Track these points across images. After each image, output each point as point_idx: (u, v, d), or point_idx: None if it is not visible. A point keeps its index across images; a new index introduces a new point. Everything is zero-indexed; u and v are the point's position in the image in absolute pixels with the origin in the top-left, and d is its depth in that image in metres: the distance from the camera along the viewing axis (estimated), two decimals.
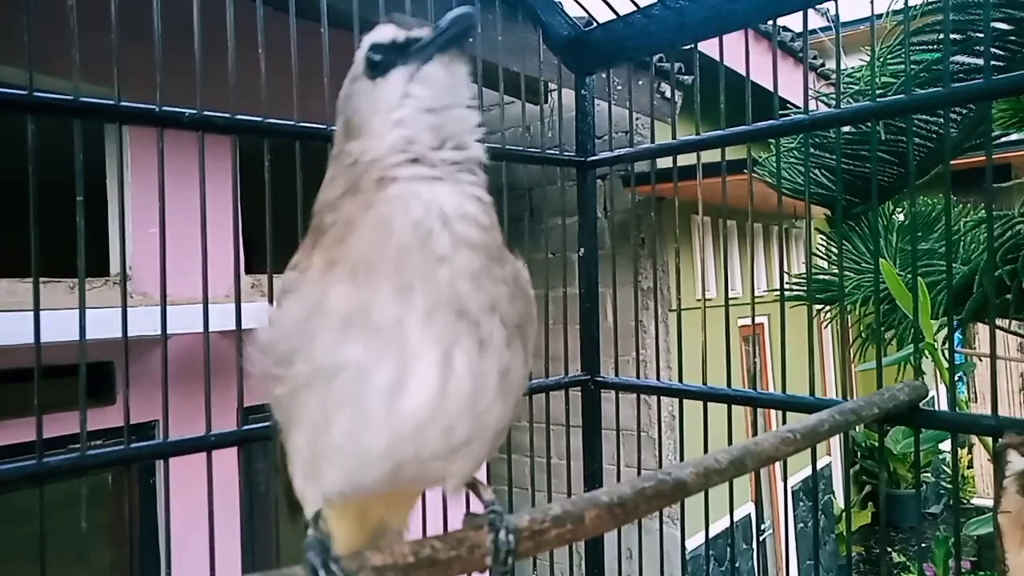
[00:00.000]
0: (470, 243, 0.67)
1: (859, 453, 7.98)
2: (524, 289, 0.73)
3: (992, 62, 1.36)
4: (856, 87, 1.80)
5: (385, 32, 0.73)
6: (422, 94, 0.70)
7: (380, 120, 0.70)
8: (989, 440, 1.15)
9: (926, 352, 1.30)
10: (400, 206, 0.66)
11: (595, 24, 1.83)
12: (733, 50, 1.56)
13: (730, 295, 1.59)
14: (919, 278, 1.26)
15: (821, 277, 1.90)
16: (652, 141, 1.74)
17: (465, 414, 0.66)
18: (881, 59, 1.69)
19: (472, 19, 0.71)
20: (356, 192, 0.69)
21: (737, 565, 5.02)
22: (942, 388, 1.31)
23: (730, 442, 1.29)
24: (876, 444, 7.04)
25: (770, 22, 1.54)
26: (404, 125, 0.69)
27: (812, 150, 1.77)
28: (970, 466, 7.90)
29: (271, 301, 1.30)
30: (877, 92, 1.36)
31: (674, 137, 1.67)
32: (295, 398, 0.68)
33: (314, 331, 0.66)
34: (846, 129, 1.66)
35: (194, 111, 1.21)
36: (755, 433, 1.06)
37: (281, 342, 0.69)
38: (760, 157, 1.87)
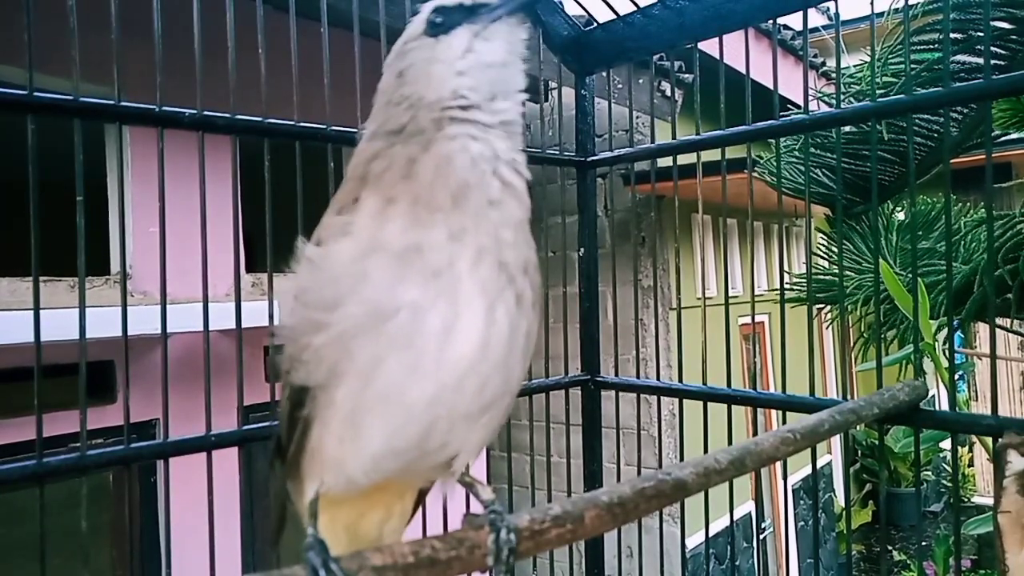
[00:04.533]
0: (515, 193, 0.72)
1: (859, 452, 7.98)
2: (537, 263, 0.77)
3: (993, 61, 1.36)
4: (857, 87, 1.80)
5: None
6: (486, 49, 0.74)
7: (441, 70, 0.74)
8: (989, 440, 1.15)
9: (926, 352, 1.30)
10: (459, 146, 0.71)
11: (595, 24, 1.83)
12: (733, 49, 1.55)
13: (730, 294, 1.59)
14: (918, 278, 1.26)
15: (822, 277, 1.90)
16: (652, 140, 1.73)
17: (498, 369, 0.69)
18: (882, 58, 1.69)
19: None
20: (411, 135, 0.72)
21: (737, 563, 5.02)
22: (943, 387, 1.31)
23: (730, 442, 1.29)
24: (877, 443, 7.04)
25: (770, 21, 1.54)
26: (466, 75, 0.73)
27: (813, 149, 1.76)
28: (971, 464, 7.90)
29: (271, 300, 1.31)
30: (878, 91, 1.35)
31: (674, 136, 1.67)
32: (340, 345, 0.67)
33: (368, 270, 0.66)
34: (847, 128, 1.66)
35: (194, 111, 1.21)
36: (755, 432, 1.06)
37: (328, 285, 0.69)
38: (761, 157, 1.86)
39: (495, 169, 0.71)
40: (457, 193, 0.68)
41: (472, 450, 0.73)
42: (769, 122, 1.44)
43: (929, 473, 8.07)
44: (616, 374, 1.90)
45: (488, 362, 0.68)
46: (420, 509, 1.45)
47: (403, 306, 0.65)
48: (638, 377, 1.82)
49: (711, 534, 1.66)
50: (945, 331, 1.28)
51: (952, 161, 1.30)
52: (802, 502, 6.17)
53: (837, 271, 1.55)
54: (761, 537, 5.75)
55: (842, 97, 1.42)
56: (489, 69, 0.74)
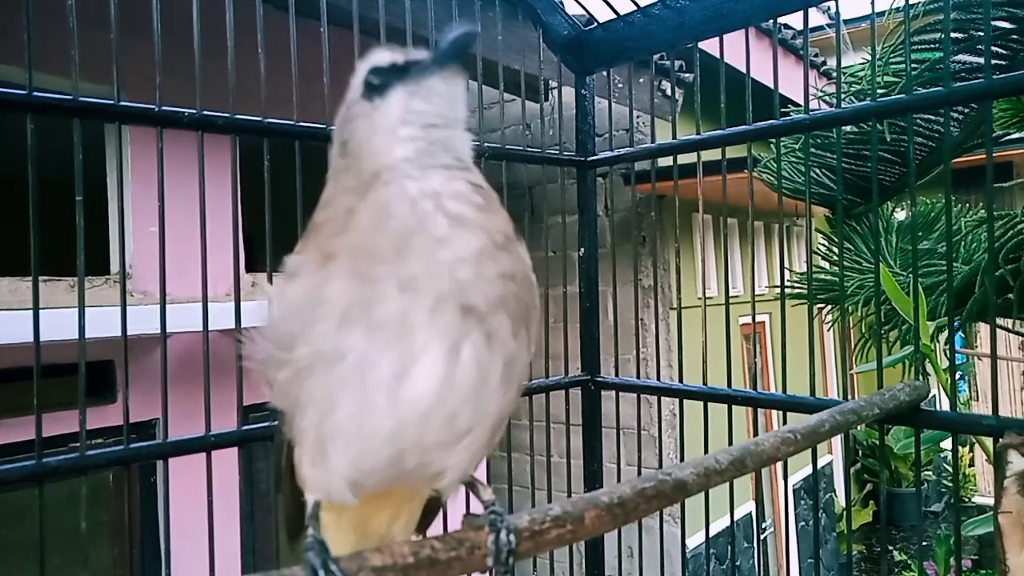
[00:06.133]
0: (466, 222, 0.67)
1: (860, 452, 7.97)
2: (530, 279, 0.73)
3: (993, 61, 1.36)
4: (858, 87, 1.79)
5: (383, 56, 0.74)
6: (423, 109, 0.71)
7: (382, 139, 0.71)
8: (989, 440, 1.15)
9: (925, 353, 1.30)
10: (396, 189, 0.67)
11: (595, 23, 1.83)
12: (734, 48, 1.55)
13: (731, 293, 1.59)
14: (917, 281, 1.26)
15: (822, 277, 1.89)
16: (653, 140, 1.73)
17: (469, 402, 0.66)
18: (883, 58, 1.69)
19: (471, 37, 0.72)
20: (350, 191, 0.70)
21: (738, 564, 5.02)
22: (943, 387, 1.31)
23: (731, 442, 1.29)
24: (877, 443, 7.03)
25: (771, 20, 1.53)
26: (407, 142, 0.70)
27: (813, 149, 1.76)
28: (971, 464, 7.89)
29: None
30: (879, 91, 1.35)
31: (675, 136, 1.67)
32: (299, 383, 0.67)
33: (315, 318, 0.65)
34: (848, 128, 1.66)
35: (194, 111, 1.21)
36: (756, 433, 1.06)
37: (282, 324, 0.69)
38: (761, 156, 1.86)
39: (437, 204, 0.66)
40: (400, 241, 0.64)
41: (459, 468, 0.71)
42: (769, 122, 1.44)
43: (930, 473, 8.05)
44: (616, 374, 1.89)
45: (454, 397, 0.65)
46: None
47: (349, 352, 0.64)
48: (638, 377, 1.82)
49: (712, 534, 1.66)
50: (946, 331, 1.27)
51: (953, 161, 1.29)
52: (803, 502, 6.17)
53: (838, 271, 1.55)
54: (762, 537, 5.74)
55: (843, 97, 1.41)
56: (430, 129, 0.71)
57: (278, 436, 0.79)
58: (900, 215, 2.04)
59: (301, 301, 0.67)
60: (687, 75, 3.84)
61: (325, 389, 0.65)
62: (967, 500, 7.42)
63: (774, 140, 1.52)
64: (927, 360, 1.30)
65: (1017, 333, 1.67)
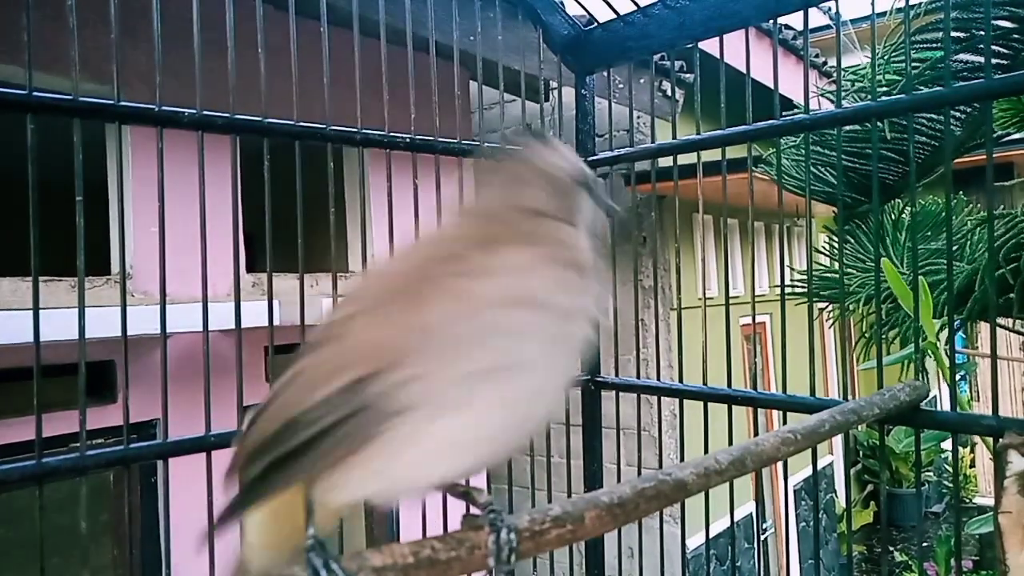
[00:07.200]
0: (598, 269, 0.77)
1: (861, 452, 7.97)
2: None
3: (994, 61, 1.36)
4: (859, 85, 1.79)
5: (584, 167, 0.84)
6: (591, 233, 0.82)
7: (581, 223, 0.79)
8: (990, 440, 1.15)
9: (928, 352, 1.30)
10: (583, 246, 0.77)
11: (595, 23, 1.83)
12: (734, 48, 1.55)
13: (731, 294, 1.59)
14: (920, 277, 1.26)
15: (824, 275, 1.89)
16: (653, 140, 1.73)
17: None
18: (884, 57, 1.69)
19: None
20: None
21: (738, 564, 5.02)
22: (944, 387, 1.31)
23: (731, 442, 1.28)
24: (878, 443, 7.03)
25: (771, 20, 1.53)
26: (590, 237, 0.80)
27: (816, 148, 1.76)
28: (972, 465, 7.89)
29: (271, 300, 1.31)
30: (880, 91, 1.35)
31: (675, 136, 1.67)
32: (464, 385, 0.65)
33: (506, 324, 0.66)
34: (850, 127, 1.66)
35: (194, 111, 1.21)
36: (756, 433, 1.06)
37: (463, 323, 0.67)
38: (763, 154, 1.86)
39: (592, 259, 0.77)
40: (582, 266, 0.73)
41: None
42: (770, 122, 1.44)
43: (930, 474, 8.05)
44: (616, 374, 1.89)
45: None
46: (420, 510, 1.45)
47: (523, 364, 0.66)
48: (639, 377, 1.82)
49: (712, 535, 1.66)
50: (947, 331, 1.27)
51: (954, 160, 1.29)
52: (803, 503, 6.17)
53: (838, 269, 1.54)
54: (762, 538, 5.74)
55: (843, 96, 1.41)
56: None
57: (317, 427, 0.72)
58: (908, 214, 2.04)
59: (494, 304, 0.66)
60: (687, 75, 3.85)
61: (498, 394, 0.65)
62: (967, 501, 7.42)
63: (774, 140, 1.52)
64: (932, 357, 1.29)
65: (1017, 333, 1.67)
